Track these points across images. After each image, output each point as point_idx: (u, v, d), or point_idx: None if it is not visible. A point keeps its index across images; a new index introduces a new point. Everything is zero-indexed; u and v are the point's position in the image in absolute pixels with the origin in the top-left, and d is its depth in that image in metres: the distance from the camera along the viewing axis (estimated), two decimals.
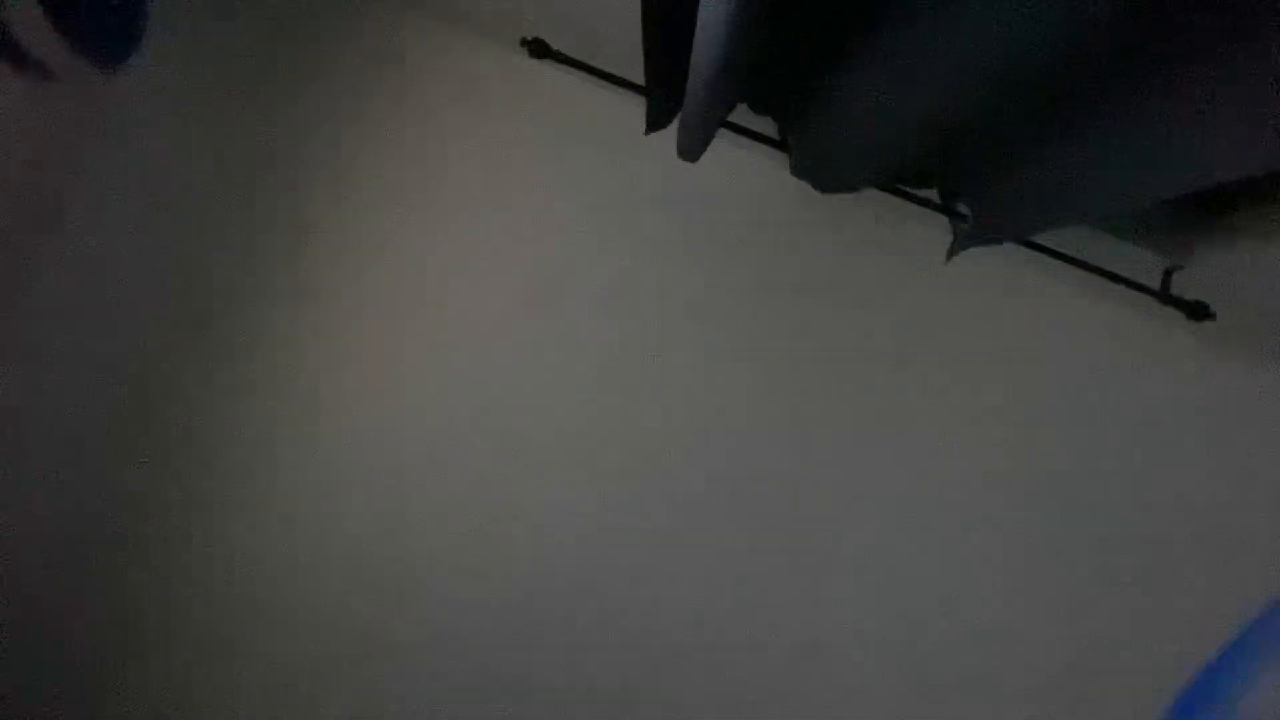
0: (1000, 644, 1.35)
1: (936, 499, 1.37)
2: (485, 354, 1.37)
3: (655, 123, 1.17)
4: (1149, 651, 1.33)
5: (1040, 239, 1.29)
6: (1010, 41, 0.67)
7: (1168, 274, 1.29)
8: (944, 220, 1.31)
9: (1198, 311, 1.29)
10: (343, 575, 1.34)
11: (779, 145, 1.28)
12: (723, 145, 1.36)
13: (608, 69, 1.31)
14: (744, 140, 1.29)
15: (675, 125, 1.37)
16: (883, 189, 1.26)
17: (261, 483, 1.35)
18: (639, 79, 1.31)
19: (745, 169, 1.37)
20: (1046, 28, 0.65)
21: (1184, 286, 1.29)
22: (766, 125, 1.29)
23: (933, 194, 1.28)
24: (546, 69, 1.36)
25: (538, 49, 1.31)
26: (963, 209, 1.25)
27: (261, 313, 1.36)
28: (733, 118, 1.25)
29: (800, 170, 1.25)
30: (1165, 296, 1.28)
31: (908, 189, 1.27)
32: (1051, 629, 1.35)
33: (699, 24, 0.74)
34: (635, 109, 1.38)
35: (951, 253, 1.20)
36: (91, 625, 1.33)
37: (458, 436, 1.36)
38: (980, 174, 1.03)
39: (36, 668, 1.32)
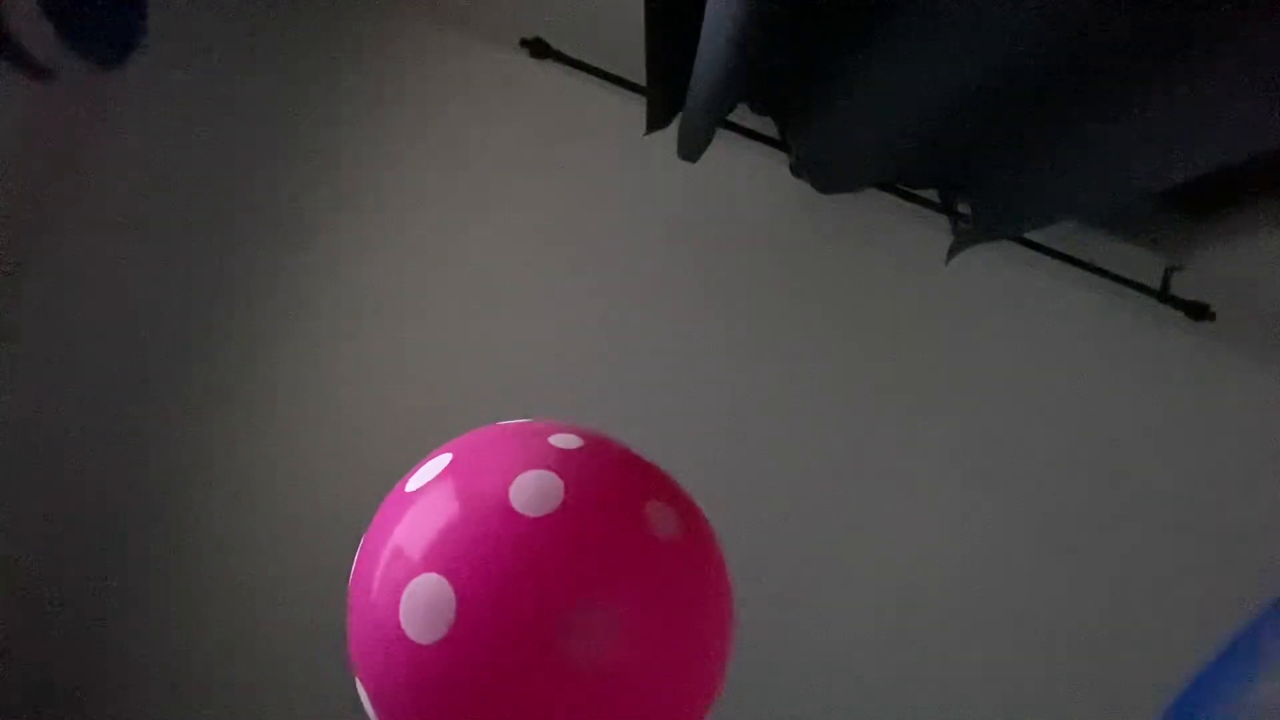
0: (999, 644, 1.35)
1: (936, 499, 1.37)
2: (484, 352, 1.37)
3: (655, 123, 1.17)
4: (1148, 651, 1.33)
5: (1040, 239, 1.29)
6: (1009, 43, 0.67)
7: (1168, 274, 1.29)
8: (944, 220, 1.31)
9: (1198, 311, 1.29)
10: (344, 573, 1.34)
11: (779, 145, 1.28)
12: (723, 145, 1.36)
13: (608, 69, 1.31)
14: (744, 140, 1.29)
15: (675, 125, 1.38)
16: (883, 189, 1.26)
17: (261, 480, 1.35)
18: (639, 79, 1.31)
19: (745, 169, 1.37)
20: (1043, 26, 0.65)
21: (1184, 286, 1.29)
22: (766, 125, 1.29)
23: (933, 194, 1.28)
24: (546, 69, 1.36)
25: (538, 49, 1.31)
26: (963, 209, 1.25)
27: (261, 311, 1.36)
28: (733, 118, 1.25)
29: (800, 170, 1.25)
30: (1165, 296, 1.28)
31: (908, 189, 1.27)
32: (1051, 629, 1.35)
33: (705, 26, 0.74)
34: (635, 109, 1.38)
35: (952, 253, 1.20)
36: (91, 623, 1.33)
37: (456, 433, 1.36)
38: (980, 173, 1.03)
39: (39, 664, 1.32)
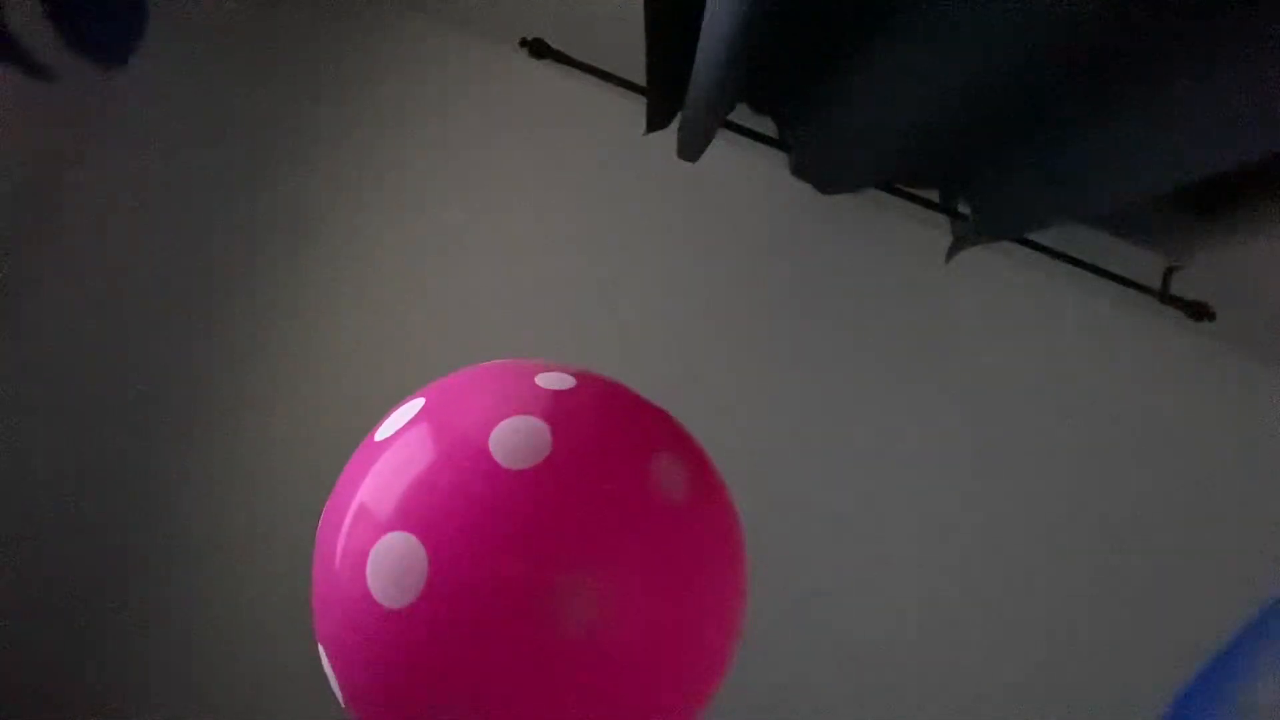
0: (999, 644, 1.35)
1: (935, 499, 1.37)
2: (484, 352, 1.37)
3: (655, 123, 1.17)
4: (1149, 651, 1.33)
5: (1040, 239, 1.29)
6: (1010, 42, 0.67)
7: (1168, 274, 1.29)
8: (944, 220, 1.31)
9: (1198, 311, 1.29)
10: None
11: (779, 145, 1.28)
12: (723, 145, 1.36)
13: (608, 69, 1.31)
14: (744, 140, 1.30)
15: (675, 125, 1.38)
16: (883, 189, 1.26)
17: (264, 480, 1.35)
18: (639, 79, 1.31)
19: (745, 169, 1.37)
20: (1045, 28, 0.65)
21: (1184, 286, 1.29)
22: (766, 125, 1.29)
23: (933, 194, 1.28)
24: (546, 69, 1.36)
25: (538, 49, 1.31)
26: (963, 209, 1.26)
27: (262, 309, 1.36)
28: (733, 118, 1.25)
29: (800, 170, 1.25)
30: (1165, 296, 1.28)
31: (908, 189, 1.27)
32: (1052, 629, 1.35)
33: (704, 26, 0.74)
34: (635, 109, 1.38)
35: (951, 253, 1.20)
36: (92, 615, 1.33)
37: None
38: (980, 173, 1.04)
39: (42, 661, 1.32)
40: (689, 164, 1.36)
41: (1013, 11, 0.62)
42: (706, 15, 0.72)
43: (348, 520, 0.45)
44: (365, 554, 0.42)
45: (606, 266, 1.38)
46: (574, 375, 0.50)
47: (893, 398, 1.38)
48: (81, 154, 1.35)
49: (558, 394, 0.47)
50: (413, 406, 0.49)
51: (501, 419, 0.44)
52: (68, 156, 1.34)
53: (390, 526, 0.42)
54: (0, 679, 1.32)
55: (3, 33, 1.08)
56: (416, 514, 0.42)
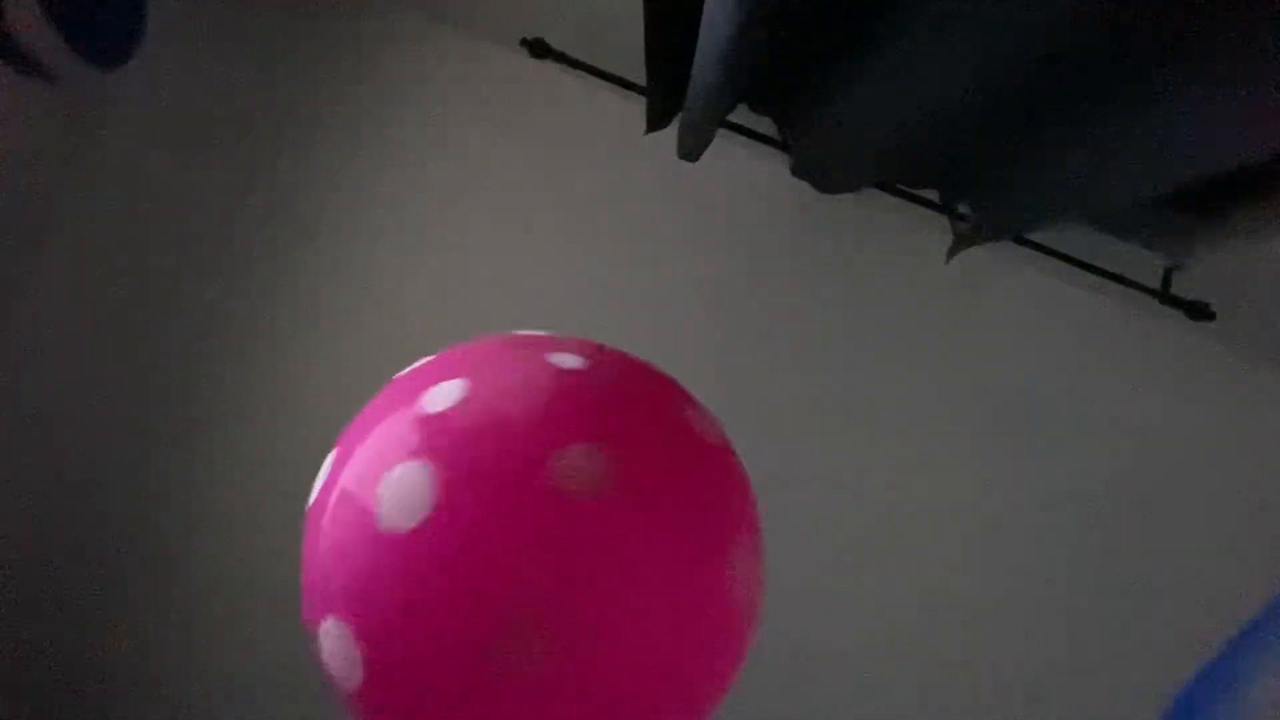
0: (999, 644, 1.35)
1: (934, 499, 1.37)
2: None
3: (655, 123, 1.17)
4: (1150, 650, 1.33)
5: (1040, 239, 1.29)
6: (1009, 42, 0.67)
7: (1168, 274, 1.29)
8: (944, 220, 1.31)
9: (1198, 311, 1.29)
10: None
11: (779, 145, 1.29)
12: (723, 145, 1.36)
13: (608, 69, 1.31)
14: (744, 140, 1.30)
15: (675, 125, 1.38)
16: (883, 189, 1.26)
17: (263, 482, 1.35)
18: (639, 79, 1.31)
19: (745, 169, 1.38)
20: (1045, 28, 0.65)
21: (1184, 286, 1.29)
22: (766, 125, 1.29)
23: (933, 194, 1.28)
24: (546, 69, 1.36)
25: (538, 49, 1.31)
26: (963, 209, 1.26)
27: (262, 307, 1.36)
28: (733, 118, 1.25)
29: (800, 170, 1.25)
30: (1165, 296, 1.28)
31: (908, 189, 1.27)
32: (1052, 629, 1.35)
33: (704, 26, 0.74)
34: (635, 109, 1.38)
35: (951, 253, 1.20)
36: (90, 615, 1.33)
37: None
38: (980, 174, 1.04)
39: (42, 652, 1.32)
40: (689, 164, 1.36)
41: (1012, 11, 0.62)
42: (706, 16, 0.73)
43: (305, 605, 0.44)
44: (315, 637, 0.41)
45: (606, 267, 1.38)
46: (471, 375, 0.43)
47: (891, 397, 1.38)
48: (81, 154, 1.35)
49: (441, 417, 0.40)
50: (328, 463, 0.46)
51: (384, 470, 0.39)
52: (68, 156, 1.34)
53: (324, 611, 0.40)
54: (0, 679, 1.32)
55: (3, 33, 1.08)
56: (338, 597, 0.39)
